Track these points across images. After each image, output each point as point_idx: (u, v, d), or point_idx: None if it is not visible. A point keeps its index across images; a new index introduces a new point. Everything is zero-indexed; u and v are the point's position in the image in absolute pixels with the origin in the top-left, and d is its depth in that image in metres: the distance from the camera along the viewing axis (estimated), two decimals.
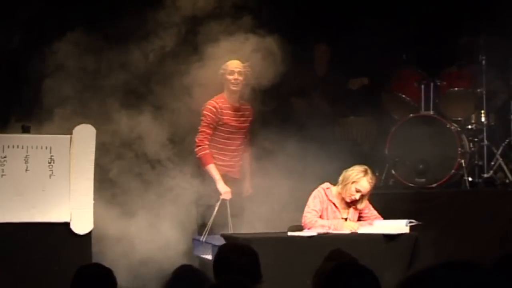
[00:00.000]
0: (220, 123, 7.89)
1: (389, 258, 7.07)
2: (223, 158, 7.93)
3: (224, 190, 7.76)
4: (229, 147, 7.96)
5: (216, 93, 8.01)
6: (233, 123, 7.95)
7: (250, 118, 8.10)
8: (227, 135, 7.94)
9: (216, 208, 7.67)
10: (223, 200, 7.72)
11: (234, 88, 7.93)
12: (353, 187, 7.39)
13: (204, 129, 7.88)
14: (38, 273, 6.95)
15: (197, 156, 7.86)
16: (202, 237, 7.57)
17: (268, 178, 8.05)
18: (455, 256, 8.00)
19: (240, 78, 7.90)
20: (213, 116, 7.86)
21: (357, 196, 7.40)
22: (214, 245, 7.06)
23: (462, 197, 8.55)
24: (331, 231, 7.25)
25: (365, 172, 7.40)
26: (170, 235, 7.89)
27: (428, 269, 2.45)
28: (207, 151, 7.84)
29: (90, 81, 8.13)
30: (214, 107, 7.87)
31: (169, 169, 8.10)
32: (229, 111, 7.94)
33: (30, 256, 6.96)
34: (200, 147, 7.85)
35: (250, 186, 8.11)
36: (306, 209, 7.43)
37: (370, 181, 7.40)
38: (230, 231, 7.57)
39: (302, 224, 7.37)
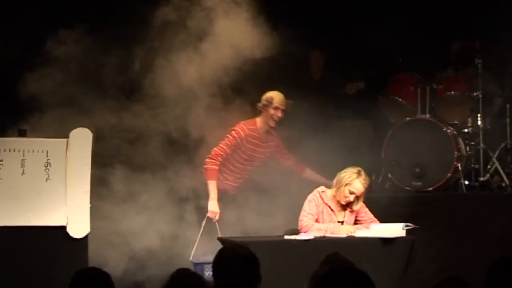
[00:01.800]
0: (242, 149, 7.87)
1: (386, 262, 7.08)
2: (229, 178, 7.95)
3: (212, 209, 7.74)
4: (238, 171, 7.96)
5: (214, 88, 7.98)
6: (254, 153, 7.94)
7: (273, 149, 8.07)
8: (242, 161, 7.93)
9: (202, 227, 7.67)
10: (209, 218, 7.72)
11: (273, 125, 7.93)
12: (346, 189, 7.40)
13: (224, 147, 7.84)
14: (34, 277, 6.94)
15: (205, 166, 7.81)
16: (191, 257, 7.56)
17: (264, 182, 8.05)
18: (452, 260, 8.04)
19: (282, 116, 7.90)
20: (238, 141, 7.84)
21: (351, 198, 7.41)
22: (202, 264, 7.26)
23: (459, 200, 8.54)
24: (328, 234, 7.25)
25: (358, 173, 7.42)
26: (169, 236, 7.91)
27: None
28: (216, 167, 7.79)
29: (88, 83, 8.12)
30: (244, 133, 7.85)
31: (167, 170, 8.11)
32: (256, 141, 7.92)
33: (27, 260, 6.94)
34: (212, 160, 7.81)
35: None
36: (302, 213, 7.43)
37: (363, 182, 7.41)
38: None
39: (299, 228, 7.37)
